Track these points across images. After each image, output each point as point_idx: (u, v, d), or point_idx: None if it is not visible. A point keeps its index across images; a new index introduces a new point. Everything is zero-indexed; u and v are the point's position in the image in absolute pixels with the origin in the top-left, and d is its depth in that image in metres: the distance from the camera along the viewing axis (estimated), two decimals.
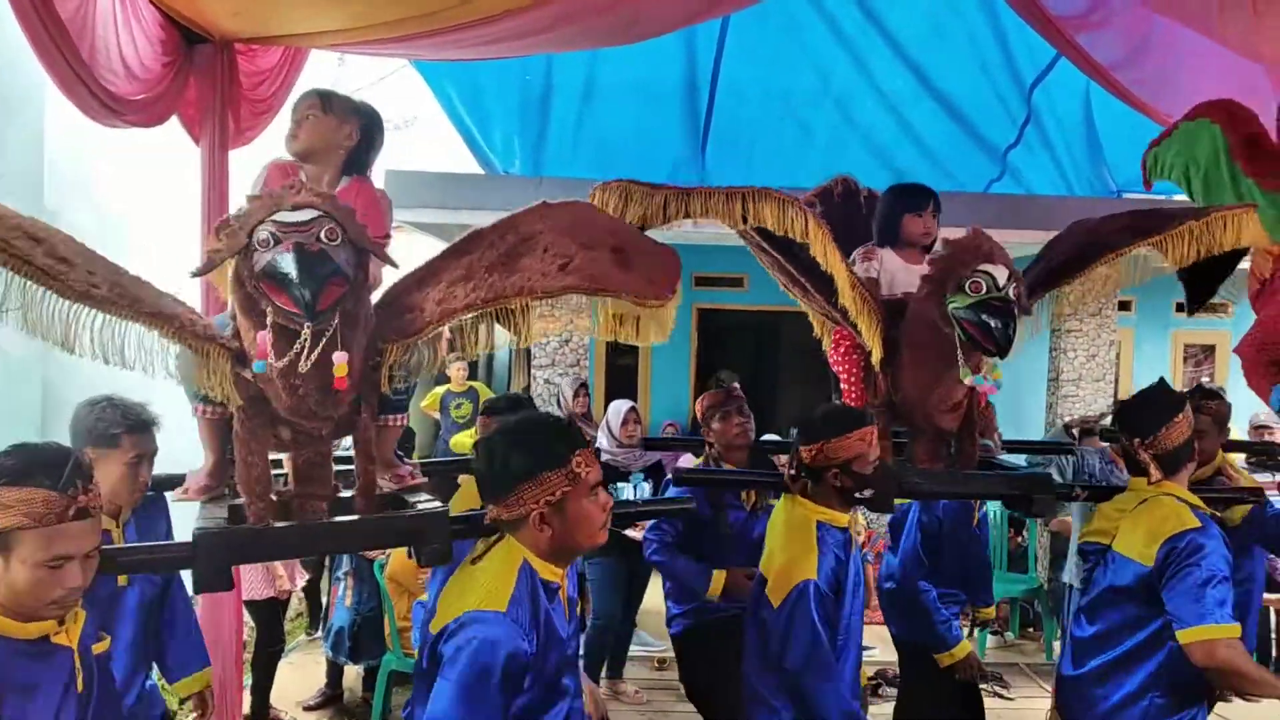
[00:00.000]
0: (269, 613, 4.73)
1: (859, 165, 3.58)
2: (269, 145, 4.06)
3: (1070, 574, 4.66)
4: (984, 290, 2.43)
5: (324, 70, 6.28)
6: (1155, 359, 9.09)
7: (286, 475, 2.34)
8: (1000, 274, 2.44)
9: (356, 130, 2.56)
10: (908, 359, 2.71)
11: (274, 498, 2.13)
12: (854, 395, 2.97)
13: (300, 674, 5.31)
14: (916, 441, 2.88)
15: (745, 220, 2.44)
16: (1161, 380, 2.75)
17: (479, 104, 6.87)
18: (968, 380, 2.59)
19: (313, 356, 1.88)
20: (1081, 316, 7.74)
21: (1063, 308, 2.78)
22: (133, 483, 2.43)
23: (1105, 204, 3.13)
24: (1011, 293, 2.45)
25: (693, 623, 3.60)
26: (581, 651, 4.94)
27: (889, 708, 3.99)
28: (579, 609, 2.24)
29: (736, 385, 3.69)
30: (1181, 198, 3.81)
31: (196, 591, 2.13)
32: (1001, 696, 5.22)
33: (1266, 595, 4.97)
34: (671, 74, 6.63)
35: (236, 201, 3.78)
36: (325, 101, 2.50)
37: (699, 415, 3.63)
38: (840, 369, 3.02)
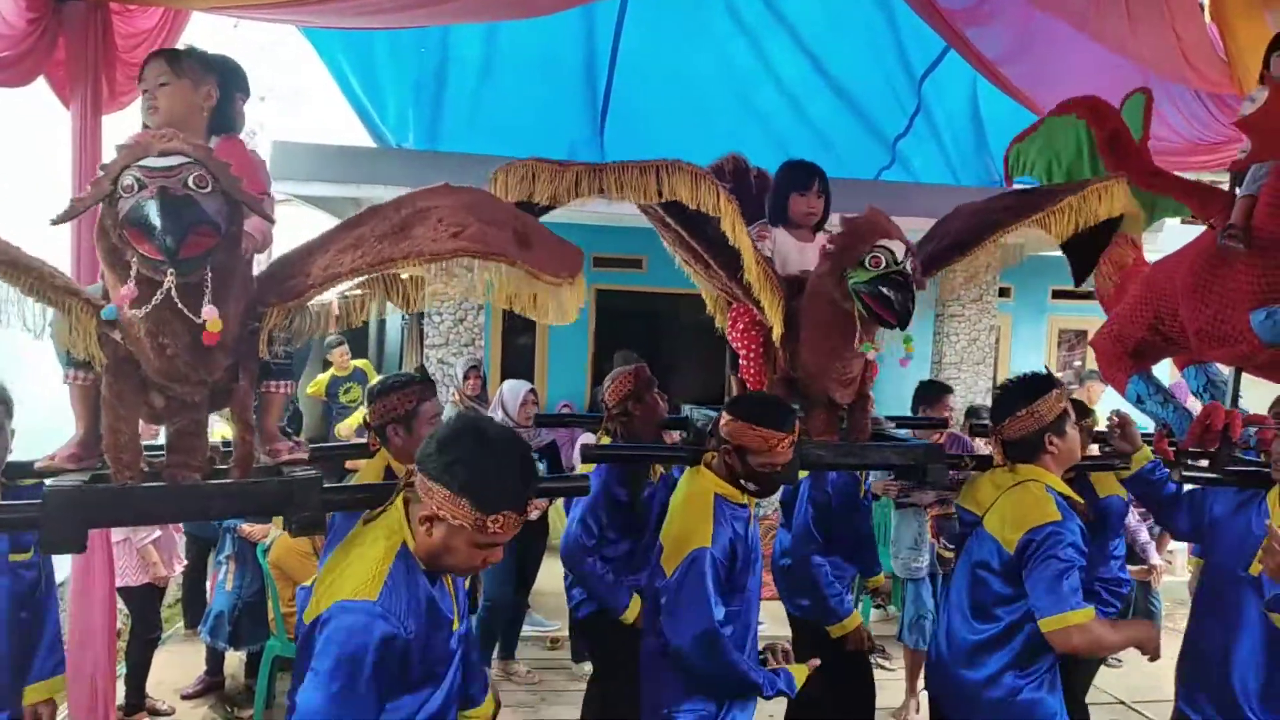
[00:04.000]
0: (144, 600, 4.55)
1: (756, 149, 3.59)
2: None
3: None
4: (883, 265, 2.48)
5: (217, 36, 6.01)
6: (1032, 343, 9.49)
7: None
8: (898, 249, 2.51)
9: (215, 88, 2.39)
10: (806, 335, 2.75)
11: (145, 468, 2.06)
12: (753, 371, 3.00)
13: (179, 661, 5.12)
14: (811, 414, 2.91)
15: (660, 195, 2.42)
16: (1034, 373, 2.86)
17: (372, 75, 6.67)
18: (870, 354, 2.67)
19: (179, 309, 1.81)
20: (963, 302, 8.03)
21: (954, 284, 2.86)
22: None
23: (990, 194, 3.26)
24: (909, 267, 2.52)
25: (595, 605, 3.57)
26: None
27: None
28: (468, 587, 2.20)
29: (645, 365, 3.68)
30: None
31: (43, 552, 2.05)
32: (883, 667, 5.41)
33: (1132, 568, 5.26)
34: (570, 52, 6.57)
35: None
36: (175, 65, 2.32)
37: (614, 397, 3.58)
38: (740, 345, 3.02)
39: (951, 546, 4.82)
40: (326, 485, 2.14)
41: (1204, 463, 3.09)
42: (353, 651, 1.72)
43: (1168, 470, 3.02)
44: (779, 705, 3.90)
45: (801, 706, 3.81)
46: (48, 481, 2.05)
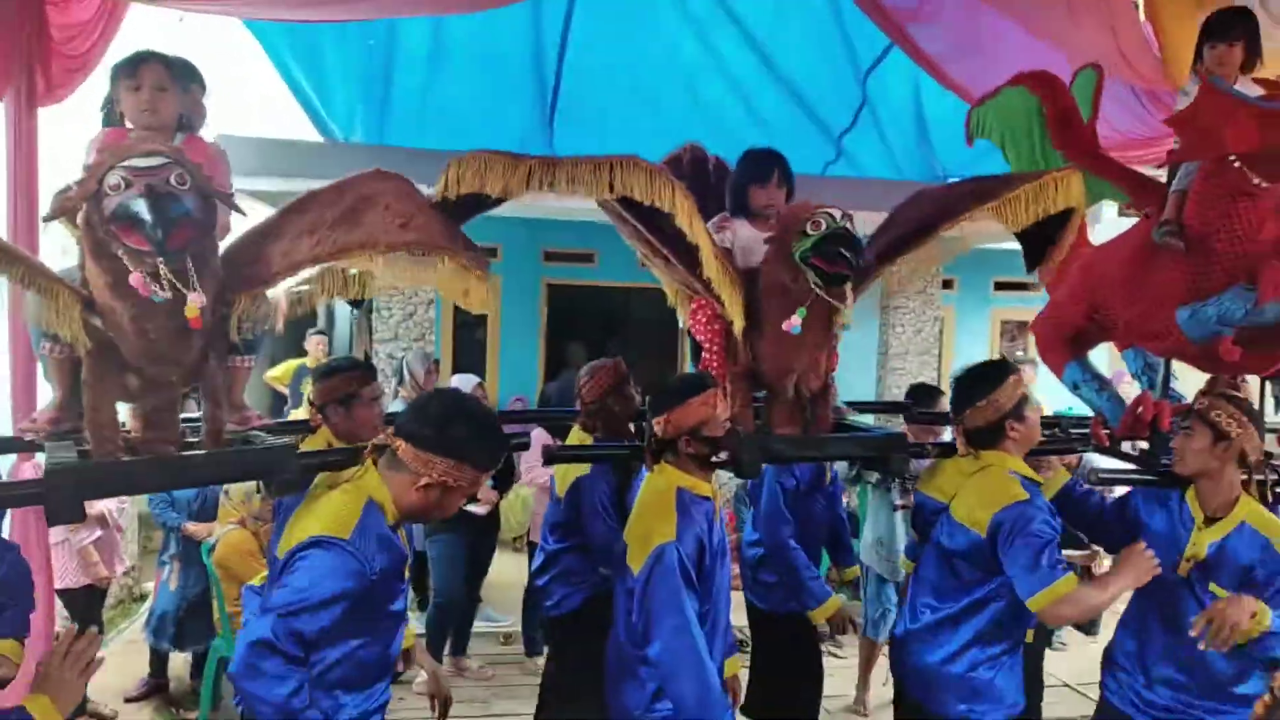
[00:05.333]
0: (85, 602, 4.46)
1: (704, 142, 3.60)
2: (83, 104, 3.78)
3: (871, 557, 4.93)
4: (824, 226, 2.53)
5: (161, 29, 5.85)
6: (976, 335, 9.66)
7: (130, 427, 2.42)
8: (835, 212, 2.56)
9: (196, 95, 2.71)
10: (766, 326, 2.74)
11: (121, 443, 2.24)
12: (716, 363, 2.98)
13: (121, 664, 5.03)
14: (774, 406, 2.92)
15: (612, 190, 2.42)
16: (991, 361, 2.91)
17: (318, 69, 6.59)
18: (797, 320, 2.64)
19: (167, 293, 1.99)
20: (908, 294, 8.15)
21: (900, 276, 2.89)
22: None
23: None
24: (850, 226, 2.56)
25: (577, 602, 3.58)
26: (423, 630, 4.87)
27: None
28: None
29: (621, 359, 3.67)
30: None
31: (51, 524, 2.27)
32: (835, 655, 5.47)
33: (1070, 551, 5.37)
34: (518, 44, 6.54)
35: (46, 164, 3.53)
36: (173, 73, 2.55)
37: (594, 392, 3.55)
38: (702, 338, 3.02)
39: None
40: (301, 451, 2.37)
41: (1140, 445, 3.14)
42: (328, 582, 2.00)
43: (1089, 484, 3.06)
44: None
45: (752, 697, 3.90)
46: (43, 458, 2.27)
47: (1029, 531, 2.57)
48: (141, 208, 1.90)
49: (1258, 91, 2.51)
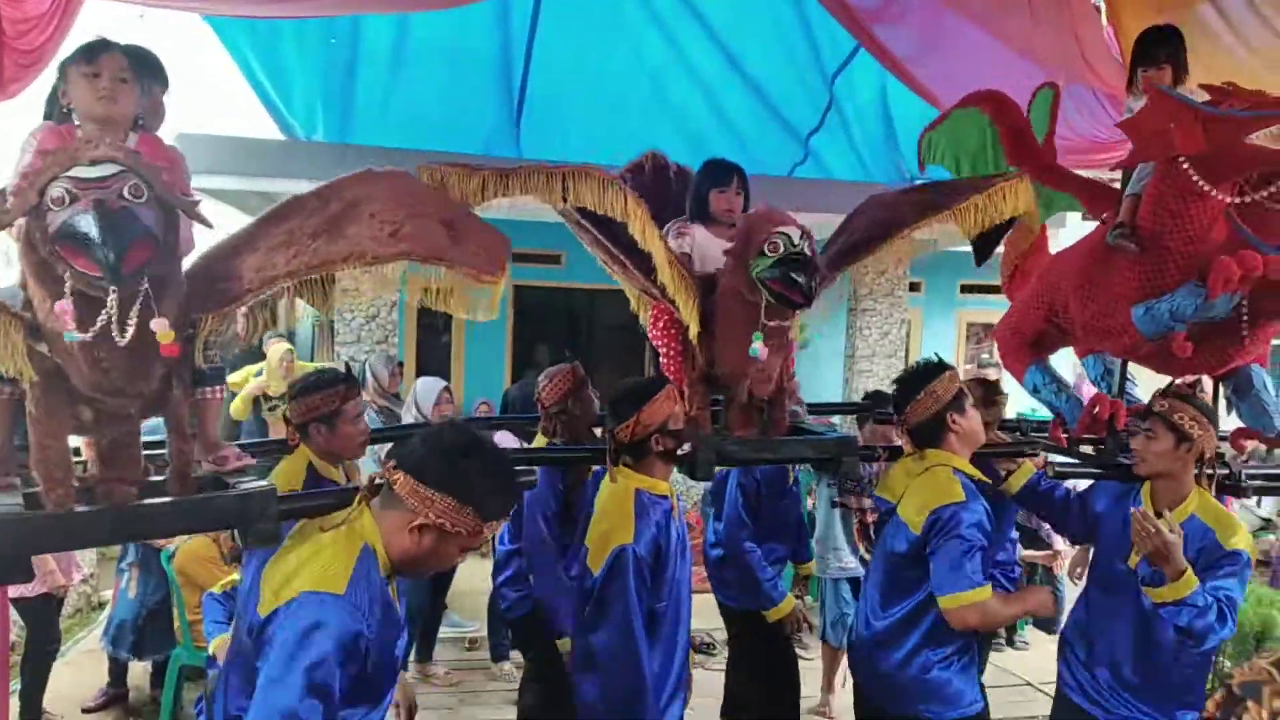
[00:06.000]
0: (41, 611, 4.35)
1: (671, 145, 3.59)
2: (37, 100, 3.68)
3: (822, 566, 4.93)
4: (781, 249, 2.53)
5: (119, 23, 5.73)
6: (942, 337, 9.75)
7: (86, 462, 2.16)
8: (794, 233, 2.56)
9: (156, 93, 2.47)
10: (722, 331, 2.78)
11: (76, 484, 1.96)
12: (674, 368, 3.03)
13: (79, 674, 4.93)
14: (731, 409, 2.97)
15: (565, 199, 2.43)
16: (926, 360, 2.97)
17: (279, 66, 6.50)
18: (758, 345, 2.65)
19: (128, 327, 1.74)
20: (875, 297, 8.19)
21: (866, 279, 2.94)
22: None
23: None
24: (806, 249, 2.57)
25: (530, 606, 3.56)
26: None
27: (698, 673, 4.10)
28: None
29: (579, 363, 3.64)
30: None
31: None
32: (800, 658, 5.46)
33: (1031, 552, 5.43)
34: (485, 44, 6.50)
35: None
36: (136, 65, 2.31)
37: (553, 396, 3.52)
38: (660, 343, 3.07)
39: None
40: (281, 494, 2.10)
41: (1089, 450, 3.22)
42: (323, 642, 1.70)
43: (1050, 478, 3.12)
44: (707, 698, 3.96)
45: (731, 699, 3.95)
46: None
47: (959, 534, 2.65)
48: (90, 226, 1.63)
49: (1204, 97, 2.56)
